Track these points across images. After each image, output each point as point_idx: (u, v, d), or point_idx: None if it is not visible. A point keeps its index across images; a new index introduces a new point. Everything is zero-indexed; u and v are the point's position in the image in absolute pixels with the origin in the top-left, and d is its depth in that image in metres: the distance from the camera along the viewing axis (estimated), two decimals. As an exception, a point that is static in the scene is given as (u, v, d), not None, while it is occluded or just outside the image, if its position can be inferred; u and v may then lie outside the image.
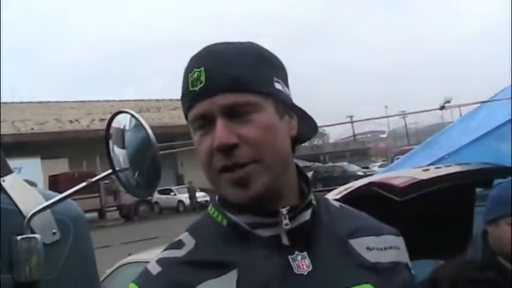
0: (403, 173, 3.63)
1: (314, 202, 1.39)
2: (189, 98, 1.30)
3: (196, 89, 1.28)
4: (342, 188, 3.51)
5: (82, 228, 2.10)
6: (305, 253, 1.29)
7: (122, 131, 1.84)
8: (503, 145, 5.62)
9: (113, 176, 1.94)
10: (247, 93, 1.26)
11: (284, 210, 1.30)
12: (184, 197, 38.58)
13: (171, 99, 50.04)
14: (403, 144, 63.12)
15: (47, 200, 1.96)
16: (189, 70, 1.31)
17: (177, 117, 48.19)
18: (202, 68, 1.28)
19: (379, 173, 5.51)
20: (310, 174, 43.25)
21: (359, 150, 73.13)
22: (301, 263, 1.28)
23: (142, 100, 47.57)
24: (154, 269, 1.30)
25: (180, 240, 1.36)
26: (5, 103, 42.96)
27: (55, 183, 31.03)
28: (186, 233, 1.38)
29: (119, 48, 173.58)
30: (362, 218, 1.47)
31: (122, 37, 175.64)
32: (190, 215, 29.05)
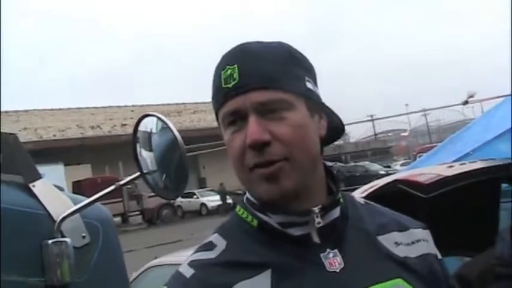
0: (428, 170, 3.60)
1: (341, 200, 1.39)
2: (222, 94, 1.30)
3: (230, 86, 1.28)
4: (366, 186, 3.50)
5: (111, 231, 2.12)
6: (336, 250, 1.31)
7: (149, 134, 1.86)
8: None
9: (140, 179, 1.96)
10: (280, 91, 1.27)
11: (316, 209, 1.31)
12: (207, 199, 38.62)
13: (191, 103, 50.20)
14: (425, 142, 62.79)
15: (75, 204, 1.99)
16: (221, 67, 1.32)
17: (197, 121, 48.39)
18: (236, 65, 1.29)
19: (402, 171, 5.49)
20: (332, 174, 43.17)
21: (380, 149, 72.71)
22: (333, 261, 1.29)
23: (163, 104, 47.68)
24: (188, 271, 1.30)
25: (210, 242, 1.36)
26: (26, 111, 43.36)
27: (79, 188, 31.19)
28: (216, 234, 1.38)
29: (138, 53, 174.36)
30: (388, 213, 1.49)
31: (142, 41, 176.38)
32: (213, 218, 29.13)
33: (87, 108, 46.57)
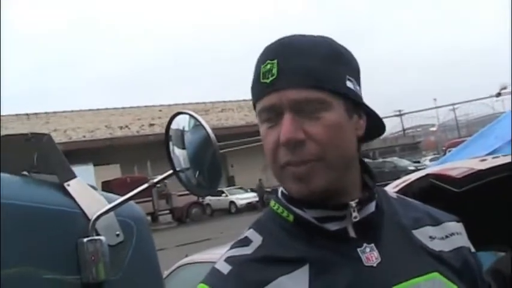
0: (460, 163, 3.57)
1: (376, 194, 1.38)
2: (259, 89, 1.30)
3: (267, 81, 1.27)
4: (398, 181, 3.47)
5: (144, 230, 2.13)
6: (373, 245, 1.31)
7: (182, 132, 1.87)
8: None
9: (173, 177, 1.97)
10: (318, 90, 1.26)
11: (353, 203, 1.31)
12: (236, 197, 38.69)
13: (218, 101, 50.33)
14: (454, 136, 62.21)
15: (109, 203, 2.00)
16: (262, 61, 1.31)
17: (225, 119, 48.50)
18: (276, 61, 1.27)
19: (431, 166, 5.45)
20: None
21: (409, 145, 72.19)
22: (370, 255, 1.29)
23: (190, 103, 47.86)
24: (225, 268, 1.29)
25: (246, 238, 1.36)
26: (55, 112, 43.83)
27: (108, 188, 31.37)
28: (251, 229, 1.38)
29: (166, 53, 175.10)
30: (420, 207, 1.49)
31: (169, 42, 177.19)
32: (242, 216, 29.20)
33: (115, 108, 46.91)
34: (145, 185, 2.04)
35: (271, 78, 1.26)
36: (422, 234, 1.39)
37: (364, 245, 1.30)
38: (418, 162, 46.51)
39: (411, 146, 72.05)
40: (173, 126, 1.87)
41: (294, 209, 1.34)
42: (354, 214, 1.30)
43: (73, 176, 2.03)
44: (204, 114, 47.38)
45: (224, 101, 50.17)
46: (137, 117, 45.91)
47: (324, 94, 1.25)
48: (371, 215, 1.34)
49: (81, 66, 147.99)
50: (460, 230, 1.47)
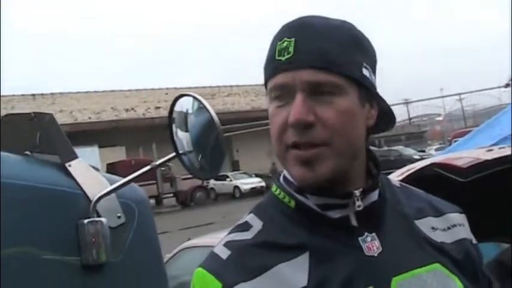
0: (466, 153, 3.54)
1: (379, 183, 1.36)
2: (273, 66, 1.26)
3: (283, 59, 1.24)
4: (403, 169, 3.45)
5: (146, 212, 2.13)
6: (374, 234, 1.28)
7: (185, 115, 1.85)
8: None
9: (175, 160, 1.95)
10: (334, 74, 1.22)
11: (357, 192, 1.28)
12: (240, 182, 38.73)
13: (225, 86, 50.27)
14: (460, 127, 62.07)
15: (111, 184, 1.99)
16: (278, 38, 1.27)
17: (231, 104, 48.45)
18: (293, 39, 1.23)
19: (438, 155, 5.42)
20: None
21: (415, 134, 72.21)
22: (371, 244, 1.26)
23: (197, 87, 47.80)
24: (224, 252, 1.27)
25: (246, 222, 1.34)
26: (62, 93, 43.83)
27: (113, 170, 31.48)
28: (251, 214, 1.35)
29: (173, 36, 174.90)
30: (423, 197, 1.46)
31: (178, 24, 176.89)
32: (246, 201, 29.21)
33: (121, 91, 46.88)
34: (148, 167, 2.03)
35: (287, 56, 1.23)
36: (425, 224, 1.37)
37: (366, 234, 1.27)
38: (423, 151, 46.38)
39: (417, 135, 72.07)
40: (177, 108, 1.85)
41: (296, 195, 1.31)
42: (358, 203, 1.27)
43: (75, 156, 2.01)
44: (210, 99, 47.35)
45: (231, 86, 50.06)
46: (143, 100, 45.86)
47: (338, 78, 1.22)
48: (373, 204, 1.31)
49: (88, 48, 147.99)
50: (462, 222, 1.45)
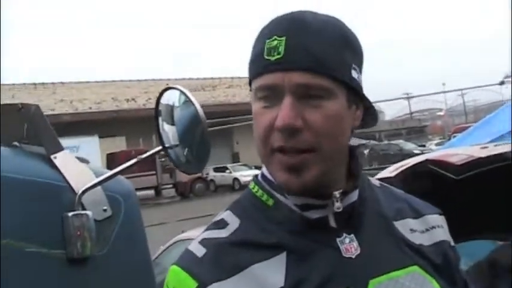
0: (461, 150, 3.53)
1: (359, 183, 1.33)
2: (261, 65, 1.21)
3: (272, 59, 1.19)
4: (397, 165, 3.43)
5: (133, 205, 2.11)
6: (352, 235, 1.25)
7: (171, 108, 1.83)
8: None
9: (163, 153, 1.94)
10: (324, 77, 1.18)
11: (337, 193, 1.25)
12: (240, 174, 38.75)
13: (226, 77, 50.21)
14: (461, 122, 62.06)
15: (98, 177, 1.97)
16: (268, 35, 1.22)
17: (232, 96, 48.42)
18: (284, 38, 1.19)
19: (436, 151, 5.42)
20: (366, 152, 43.15)
21: (415, 128, 72.16)
22: (349, 246, 1.24)
23: (198, 78, 47.77)
24: (199, 250, 1.25)
25: (222, 220, 1.31)
26: (63, 83, 43.83)
27: (113, 161, 31.53)
28: (228, 211, 1.32)
29: (175, 27, 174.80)
30: (403, 197, 1.44)
31: (180, 16, 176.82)
32: (245, 193, 29.13)
33: (122, 81, 46.87)
34: (133, 161, 2.01)
35: (276, 56, 1.18)
36: (404, 226, 1.34)
37: (344, 235, 1.25)
38: (424, 146, 46.44)
39: (418, 129, 71.99)
40: (163, 101, 1.83)
41: (275, 193, 1.28)
42: (337, 205, 1.25)
43: (60, 148, 1.99)
44: (211, 90, 47.40)
45: (232, 77, 49.96)
46: (144, 90, 45.78)
47: (329, 82, 1.19)
48: (353, 205, 1.29)
49: (89, 37, 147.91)
50: (441, 223, 1.42)
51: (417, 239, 1.34)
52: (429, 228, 1.38)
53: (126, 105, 45.13)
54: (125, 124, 41.30)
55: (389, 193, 1.43)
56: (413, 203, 1.42)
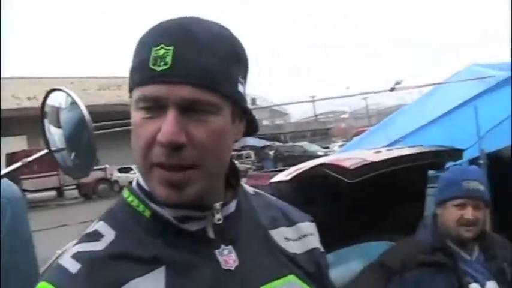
0: (355, 154, 3.61)
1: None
2: (146, 75, 1.13)
3: (158, 69, 1.12)
4: (292, 168, 3.47)
5: (20, 210, 2.03)
6: (231, 247, 1.23)
7: (57, 110, 1.76)
8: (455, 126, 5.69)
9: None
10: (212, 92, 1.13)
11: (218, 205, 1.23)
12: (144, 175, 38.40)
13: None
14: (364, 124, 63.57)
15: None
16: (154, 42, 1.14)
17: (138, 96, 47.78)
18: (172, 48, 1.12)
19: (337, 153, 5.51)
20: (271, 153, 43.57)
21: (320, 130, 73.47)
22: (228, 258, 1.22)
23: (103, 77, 46.89)
24: (72, 266, 1.15)
25: (96, 231, 1.22)
26: (-40, 79, 42.20)
27: (12, 161, 30.55)
28: (102, 222, 1.24)
29: (79, 20, 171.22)
30: (277, 205, 1.43)
31: (80, 10, 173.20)
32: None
33: (22, 78, 45.50)
34: (18, 164, 1.94)
35: (163, 67, 1.11)
36: (279, 235, 1.34)
37: (222, 246, 1.22)
38: (328, 148, 47.24)
39: (322, 131, 73.30)
40: (49, 102, 1.76)
41: (152, 204, 1.22)
42: (217, 216, 1.22)
43: None
44: (117, 89, 46.57)
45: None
46: (46, 88, 44.42)
47: (216, 97, 1.14)
48: (231, 216, 1.26)
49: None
50: (313, 231, 1.43)
51: (291, 247, 1.33)
52: (302, 236, 1.38)
53: (28, 103, 43.79)
54: (26, 123, 40.07)
55: (263, 201, 1.41)
56: (286, 210, 1.42)
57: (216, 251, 1.21)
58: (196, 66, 1.12)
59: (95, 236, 1.21)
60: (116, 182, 38.77)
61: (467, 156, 5.35)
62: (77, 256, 1.16)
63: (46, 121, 1.79)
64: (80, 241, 1.21)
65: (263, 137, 51.72)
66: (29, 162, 1.99)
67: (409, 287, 2.74)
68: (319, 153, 37.69)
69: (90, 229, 1.23)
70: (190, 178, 1.14)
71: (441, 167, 3.94)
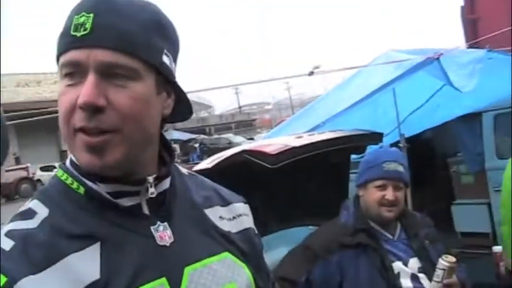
0: (276, 140, 3.62)
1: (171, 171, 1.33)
2: (67, 41, 1.16)
3: (78, 35, 1.14)
4: (214, 156, 3.46)
5: None
6: (166, 223, 1.24)
7: None
8: (376, 111, 5.80)
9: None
10: (131, 57, 1.15)
11: (151, 179, 1.24)
12: (68, 173, 37.74)
13: (51, 73, 48.46)
14: (288, 114, 64.17)
15: None
16: (76, 11, 1.17)
17: (57, 92, 46.79)
18: (92, 15, 1.14)
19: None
20: (196, 146, 43.47)
21: (244, 122, 73.71)
22: (164, 234, 1.23)
23: (22, 73, 45.67)
24: (6, 243, 1.14)
25: (29, 209, 1.21)
26: None
27: None
28: (35, 201, 1.23)
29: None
30: (211, 186, 1.46)
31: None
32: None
33: None
34: None
35: (82, 33, 1.14)
36: (213, 213, 1.36)
37: (158, 223, 1.23)
38: (252, 139, 47.44)
39: (247, 123, 73.54)
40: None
41: (85, 181, 1.23)
42: (151, 190, 1.23)
43: None
44: (36, 86, 45.51)
45: (57, 73, 48.18)
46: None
47: (136, 62, 1.16)
48: (165, 192, 1.28)
49: None
50: (247, 212, 1.47)
51: (226, 226, 1.36)
52: (236, 216, 1.42)
53: None
54: None
55: (198, 181, 1.43)
56: (220, 191, 1.45)
57: (152, 228, 1.22)
58: (115, 31, 1.14)
59: (29, 214, 1.20)
60: (39, 181, 37.94)
61: (389, 140, 5.49)
62: (10, 234, 1.16)
63: None
64: (13, 220, 1.20)
65: (188, 130, 51.55)
66: None
67: (333, 269, 2.76)
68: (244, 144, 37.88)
69: (24, 208, 1.23)
70: (110, 142, 1.14)
71: (363, 151, 3.99)
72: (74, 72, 1.16)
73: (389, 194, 2.81)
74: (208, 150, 40.43)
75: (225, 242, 1.33)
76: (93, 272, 1.13)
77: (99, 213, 1.20)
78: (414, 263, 2.81)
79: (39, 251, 1.12)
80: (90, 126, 1.13)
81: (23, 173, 34.10)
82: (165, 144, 1.34)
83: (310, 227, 3.80)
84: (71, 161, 1.27)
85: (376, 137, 3.99)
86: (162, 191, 1.27)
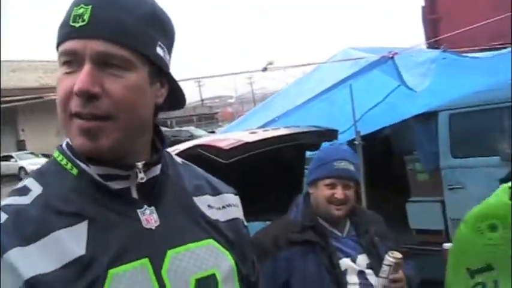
0: (231, 135, 3.63)
1: (162, 158, 1.40)
2: (66, 31, 1.24)
3: (76, 25, 1.22)
4: (170, 149, 3.44)
5: None
6: (153, 208, 1.31)
7: None
8: (333, 108, 5.84)
9: None
10: (126, 48, 1.23)
11: (140, 164, 1.30)
12: (26, 163, 37.13)
13: (12, 61, 47.63)
14: (250, 108, 64.14)
15: None
16: (76, 2, 1.25)
17: (18, 80, 46.13)
18: (90, 6, 1.22)
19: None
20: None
21: (206, 115, 73.52)
22: (150, 217, 1.29)
23: (17, 61, 44.72)
24: (1, 216, 1.21)
25: (24, 186, 1.29)
26: None
27: None
28: (31, 179, 1.32)
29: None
30: (203, 175, 1.53)
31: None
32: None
33: None
34: None
35: (80, 23, 1.22)
36: (202, 202, 1.42)
37: (145, 206, 1.30)
38: (214, 132, 47.37)
39: (208, 116, 73.35)
40: None
41: (79, 162, 1.30)
42: (140, 175, 1.30)
43: None
44: (11, 72, 44.65)
45: (18, 61, 47.39)
46: None
47: (130, 54, 1.23)
48: (155, 178, 1.34)
49: None
50: (237, 203, 1.54)
51: (214, 214, 1.43)
52: (225, 205, 1.48)
53: None
54: None
55: (190, 170, 1.51)
56: (212, 181, 1.52)
57: (139, 211, 1.29)
58: (111, 22, 1.22)
59: (23, 191, 1.28)
60: (-5, 169, 37.40)
61: (346, 137, 5.53)
62: (4, 208, 1.23)
63: None
64: (9, 195, 1.28)
65: (149, 122, 51.11)
66: None
67: (282, 266, 2.78)
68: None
69: (20, 185, 1.31)
70: (104, 128, 1.22)
71: (318, 147, 4.01)
72: (71, 61, 1.23)
73: (338, 192, 2.84)
74: (169, 143, 40.15)
75: (211, 229, 1.38)
76: (79, 248, 1.20)
77: (90, 194, 1.27)
78: (363, 259, 2.84)
79: (30, 225, 1.19)
80: (84, 112, 1.21)
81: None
82: (158, 134, 1.42)
83: (261, 222, 3.81)
84: (67, 144, 1.34)
85: (330, 134, 4.02)
86: (152, 177, 1.33)
